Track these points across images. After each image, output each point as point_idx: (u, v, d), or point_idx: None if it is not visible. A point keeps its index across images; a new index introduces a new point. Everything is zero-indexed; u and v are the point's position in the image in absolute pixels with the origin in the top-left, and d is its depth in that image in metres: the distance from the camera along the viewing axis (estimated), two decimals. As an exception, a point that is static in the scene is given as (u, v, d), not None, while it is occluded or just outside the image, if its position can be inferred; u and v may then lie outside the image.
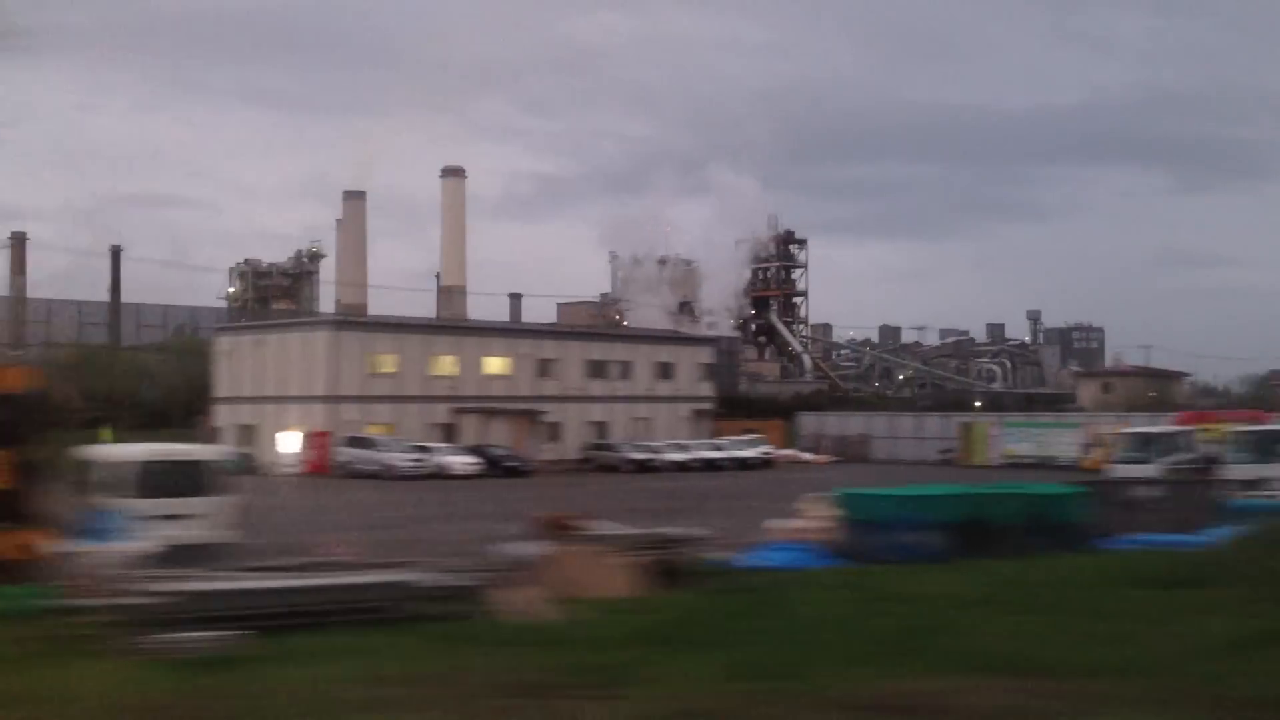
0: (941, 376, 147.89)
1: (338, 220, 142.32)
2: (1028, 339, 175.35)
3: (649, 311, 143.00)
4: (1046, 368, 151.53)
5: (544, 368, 75.20)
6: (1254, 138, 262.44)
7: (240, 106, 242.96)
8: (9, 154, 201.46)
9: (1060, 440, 72.42)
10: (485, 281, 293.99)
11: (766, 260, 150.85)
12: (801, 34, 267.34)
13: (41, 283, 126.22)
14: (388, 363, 68.30)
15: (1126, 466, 40.86)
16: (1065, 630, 13.94)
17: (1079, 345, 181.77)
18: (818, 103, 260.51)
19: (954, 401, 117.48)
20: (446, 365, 70.74)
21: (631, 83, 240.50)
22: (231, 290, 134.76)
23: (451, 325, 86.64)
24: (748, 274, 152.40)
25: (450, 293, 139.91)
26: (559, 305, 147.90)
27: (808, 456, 79.60)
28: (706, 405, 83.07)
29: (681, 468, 69.11)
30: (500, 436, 69.65)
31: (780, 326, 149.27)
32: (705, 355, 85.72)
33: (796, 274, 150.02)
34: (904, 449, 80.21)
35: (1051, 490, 27.92)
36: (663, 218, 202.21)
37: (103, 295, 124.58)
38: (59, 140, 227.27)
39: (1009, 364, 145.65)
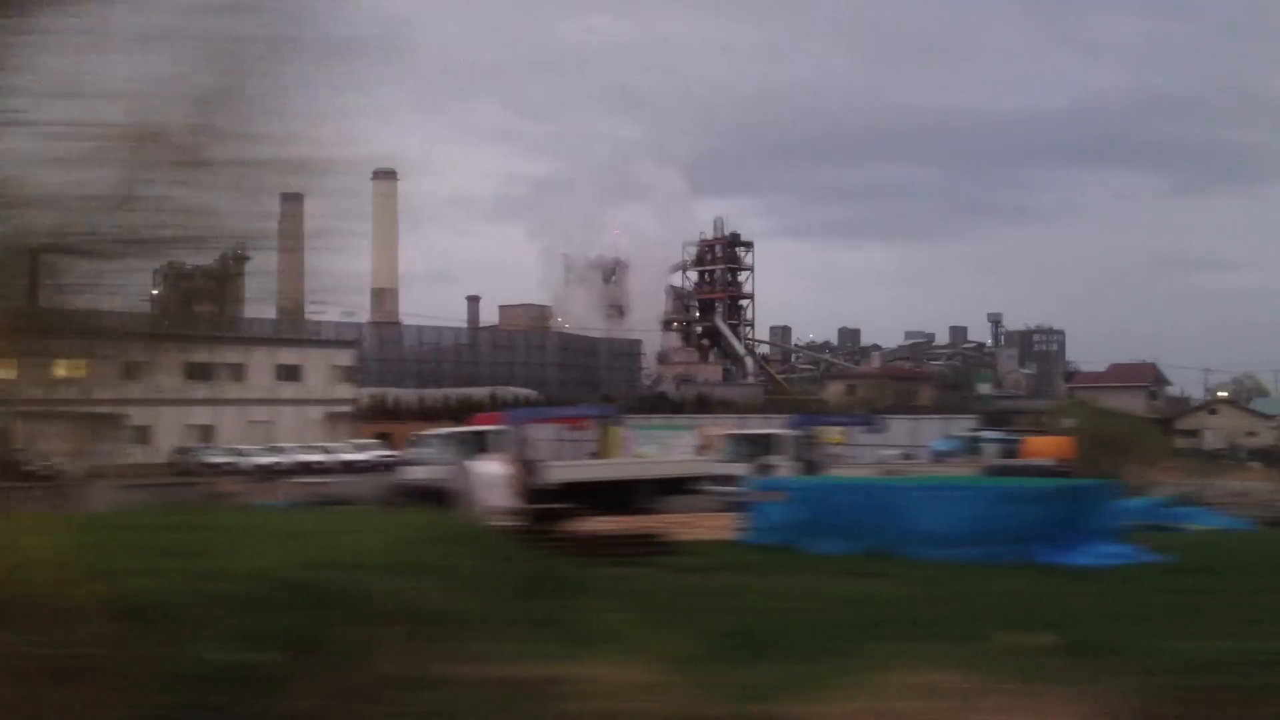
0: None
1: (276, 223, 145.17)
2: (989, 341, 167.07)
3: (584, 311, 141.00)
4: (1002, 370, 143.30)
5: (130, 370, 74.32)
6: (1248, 141, 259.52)
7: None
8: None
9: (680, 442, 70.18)
10: (477, 285, 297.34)
11: (712, 263, 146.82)
12: (793, 37, 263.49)
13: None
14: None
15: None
16: None
17: (1039, 348, 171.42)
18: (810, 105, 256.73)
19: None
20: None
21: (621, 86, 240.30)
22: (155, 293, 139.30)
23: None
24: (694, 276, 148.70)
25: (382, 295, 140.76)
26: (500, 307, 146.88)
27: (468, 461, 76.90)
28: (342, 408, 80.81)
29: (268, 470, 67.84)
30: None
31: (724, 329, 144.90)
32: (344, 358, 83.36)
33: (743, 277, 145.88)
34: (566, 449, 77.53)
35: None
36: (612, 220, 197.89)
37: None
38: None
39: (961, 366, 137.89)
